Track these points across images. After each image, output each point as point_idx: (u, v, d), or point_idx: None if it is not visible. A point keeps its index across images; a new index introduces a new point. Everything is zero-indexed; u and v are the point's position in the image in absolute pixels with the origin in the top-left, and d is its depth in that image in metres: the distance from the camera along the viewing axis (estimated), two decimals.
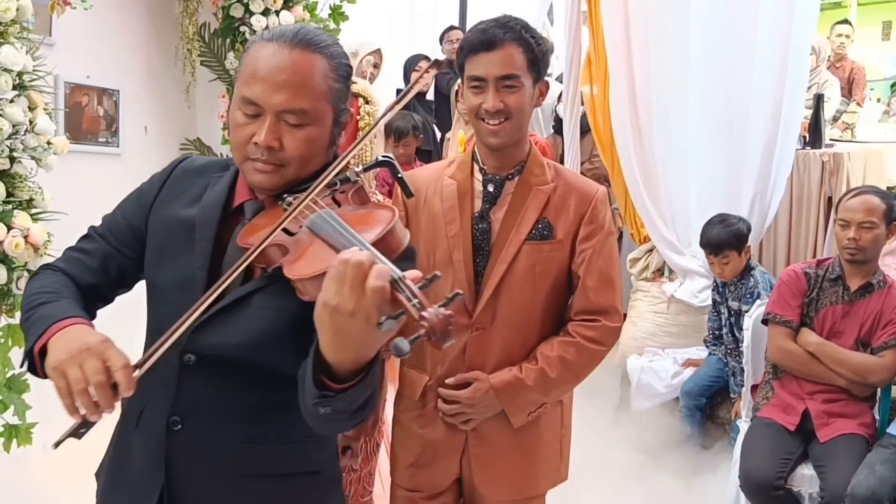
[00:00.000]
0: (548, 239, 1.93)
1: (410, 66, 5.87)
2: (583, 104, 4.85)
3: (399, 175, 1.36)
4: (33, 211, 2.68)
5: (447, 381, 1.97)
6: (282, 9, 4.05)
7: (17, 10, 2.61)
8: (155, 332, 1.33)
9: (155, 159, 4.20)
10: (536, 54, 1.87)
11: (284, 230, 1.25)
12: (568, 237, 1.94)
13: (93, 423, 1.21)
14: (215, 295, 1.22)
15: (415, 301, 1.00)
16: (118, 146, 4.01)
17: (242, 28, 4.04)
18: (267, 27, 3.98)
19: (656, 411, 4.21)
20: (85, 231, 1.50)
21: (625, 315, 4.16)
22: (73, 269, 1.42)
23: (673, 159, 4.45)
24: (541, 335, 1.97)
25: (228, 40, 4.16)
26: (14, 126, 2.58)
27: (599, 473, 3.51)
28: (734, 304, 3.90)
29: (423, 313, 0.98)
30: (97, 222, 1.51)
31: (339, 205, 1.30)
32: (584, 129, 4.96)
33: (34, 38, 2.82)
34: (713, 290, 4.10)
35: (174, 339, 1.20)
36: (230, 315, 1.31)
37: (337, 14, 4.39)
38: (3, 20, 2.55)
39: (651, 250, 4.80)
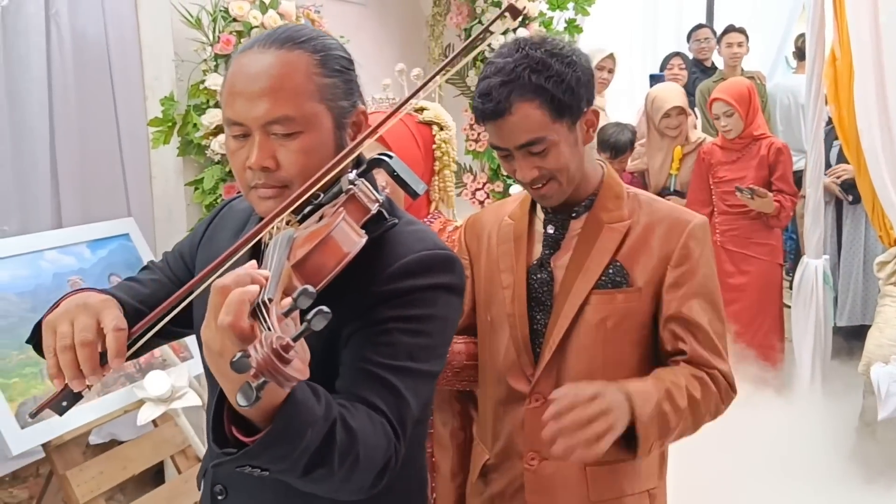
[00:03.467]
0: (621, 287, 1.55)
1: (664, 65, 5.84)
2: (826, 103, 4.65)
3: (395, 173, 1.16)
4: None
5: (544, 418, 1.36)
6: (519, 27, 4.30)
7: None
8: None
9: None
10: (562, 98, 1.46)
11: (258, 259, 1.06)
12: (650, 284, 1.55)
13: (77, 397, 1.12)
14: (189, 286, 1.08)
15: (265, 334, 0.81)
16: None
17: (483, 47, 4.35)
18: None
19: None
20: None
21: (866, 327, 3.99)
22: (121, 292, 1.34)
23: None
24: None
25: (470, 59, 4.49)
26: None
27: (840, 488, 3.39)
28: None
29: (250, 349, 0.79)
30: None
31: (319, 219, 1.10)
32: None
33: None
34: None
35: (170, 314, 1.09)
36: None
37: (572, 27, 4.57)
38: None
39: None
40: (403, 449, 1.11)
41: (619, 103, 5.69)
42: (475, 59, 4.44)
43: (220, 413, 0.95)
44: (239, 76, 1.16)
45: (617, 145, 4.45)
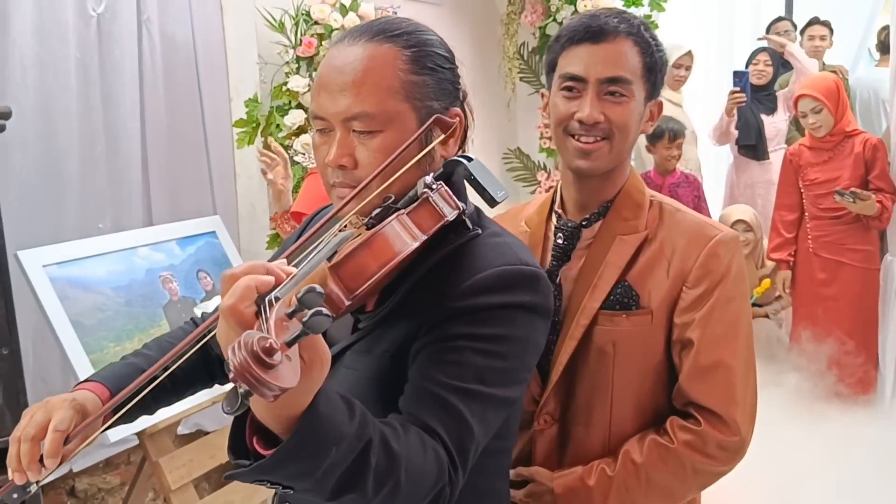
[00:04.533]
0: (629, 308, 1.41)
1: (749, 60, 5.72)
2: None
3: (472, 177, 1.08)
4: None
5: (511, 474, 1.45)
6: None
7: None
8: None
9: None
10: (656, 60, 1.41)
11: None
12: (664, 307, 1.40)
13: (24, 490, 1.07)
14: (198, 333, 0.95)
15: (262, 334, 0.72)
16: None
17: None
18: None
19: None
20: None
21: None
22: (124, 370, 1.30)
23: None
24: (631, 435, 1.45)
25: (545, 57, 4.50)
26: None
27: None
28: None
29: (230, 352, 0.71)
30: None
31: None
32: None
33: None
34: None
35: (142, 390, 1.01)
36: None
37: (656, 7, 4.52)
38: None
39: None
40: (462, 479, 1.02)
41: (694, 99, 5.62)
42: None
43: (243, 420, 0.89)
44: (326, 68, 1.11)
45: (675, 130, 4.34)
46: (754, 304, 4.46)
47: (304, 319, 0.72)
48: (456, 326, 1.04)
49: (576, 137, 1.40)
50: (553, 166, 4.64)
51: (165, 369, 0.96)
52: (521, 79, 4.68)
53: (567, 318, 1.45)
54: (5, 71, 2.69)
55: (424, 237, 0.99)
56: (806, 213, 4.17)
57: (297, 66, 3.22)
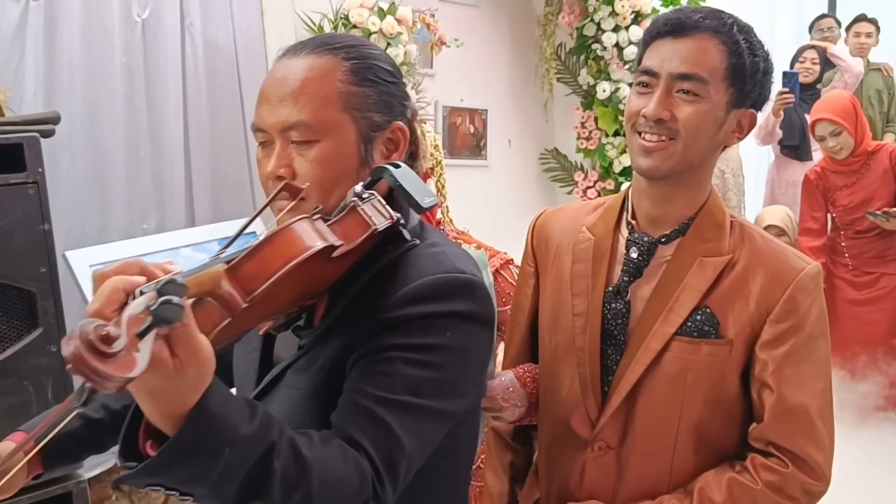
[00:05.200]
0: (708, 337, 1.31)
1: (795, 58, 5.65)
2: None
3: (398, 184, 1.05)
4: None
5: None
6: (631, 24, 4.29)
7: (405, 54, 3.20)
8: None
9: (517, 170, 4.71)
10: (747, 65, 1.29)
11: None
12: (742, 337, 1.31)
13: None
14: None
15: (98, 322, 0.69)
16: (486, 159, 4.57)
17: (594, 45, 4.36)
18: (616, 44, 4.26)
19: None
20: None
21: None
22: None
23: None
24: (695, 468, 1.35)
25: (582, 57, 4.51)
26: None
27: None
28: None
29: (63, 343, 0.68)
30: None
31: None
32: None
33: (419, 72, 3.40)
34: None
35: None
36: (267, 398, 1.12)
37: None
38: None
39: None
40: (392, 495, 0.98)
41: None
42: (587, 57, 4.46)
43: (136, 422, 0.86)
44: (267, 81, 1.11)
45: None
46: None
47: (152, 308, 0.68)
48: (388, 338, 1.01)
49: (641, 135, 1.32)
50: (590, 167, 4.64)
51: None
52: (558, 79, 4.68)
53: (634, 339, 1.35)
54: (53, 76, 2.77)
55: (349, 245, 0.95)
56: (843, 233, 3.98)
57: None
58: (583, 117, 4.54)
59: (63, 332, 1.98)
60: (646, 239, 1.37)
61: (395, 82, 1.15)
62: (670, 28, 1.29)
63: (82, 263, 2.42)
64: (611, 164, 4.47)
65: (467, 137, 4.46)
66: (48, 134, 1.99)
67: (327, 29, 3.28)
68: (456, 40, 3.56)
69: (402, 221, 1.05)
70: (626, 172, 4.44)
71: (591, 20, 4.32)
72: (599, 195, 4.52)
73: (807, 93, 5.07)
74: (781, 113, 4.77)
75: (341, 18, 3.27)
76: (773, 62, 1.35)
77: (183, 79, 3.14)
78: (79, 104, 2.84)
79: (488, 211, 3.89)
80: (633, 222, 1.39)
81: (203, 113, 3.24)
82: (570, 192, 4.70)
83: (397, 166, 1.07)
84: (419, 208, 1.05)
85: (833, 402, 1.35)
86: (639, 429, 1.35)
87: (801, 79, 4.97)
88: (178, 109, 3.12)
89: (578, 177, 4.65)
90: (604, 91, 4.36)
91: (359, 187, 1.03)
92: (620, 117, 4.35)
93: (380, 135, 1.12)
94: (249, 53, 3.36)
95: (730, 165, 5.02)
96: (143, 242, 2.71)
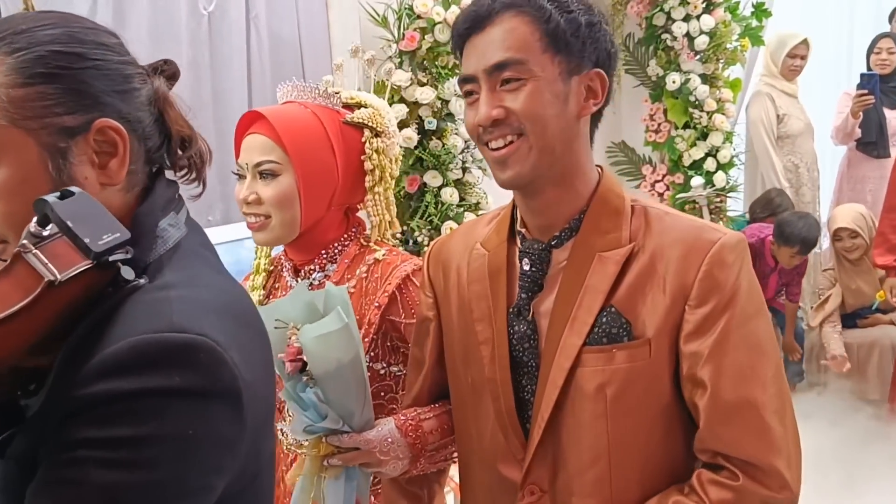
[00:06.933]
0: (619, 340, 1.12)
1: (871, 49, 5.43)
2: None
3: (62, 222, 0.76)
4: (480, 212, 3.21)
5: None
6: (702, 13, 4.16)
7: None
8: None
9: None
10: (559, 25, 1.11)
11: None
12: (664, 333, 1.11)
13: None
14: None
15: None
16: None
17: (664, 36, 4.25)
18: (687, 33, 4.14)
19: None
20: None
21: None
22: None
23: None
24: (642, 499, 1.15)
25: (651, 48, 4.40)
26: (465, 142, 3.13)
27: None
28: None
29: None
30: None
31: None
32: None
33: None
34: None
35: None
36: None
37: (760, 11, 4.38)
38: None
39: None
40: None
41: (811, 90, 5.38)
42: (656, 47, 4.35)
43: None
44: None
45: (808, 241, 4.01)
46: (877, 310, 4.24)
47: None
48: (76, 428, 0.74)
49: (489, 145, 1.15)
50: (659, 160, 4.53)
51: None
52: (626, 70, 4.57)
53: (545, 361, 1.17)
54: None
55: (17, 306, 0.73)
56: None
57: (399, 60, 3.23)
58: (651, 109, 4.43)
59: None
60: (538, 245, 1.19)
61: (84, 67, 0.86)
62: (469, 25, 1.14)
63: None
64: (680, 157, 4.35)
65: None
66: None
67: (391, 20, 3.26)
68: None
69: (109, 258, 0.77)
70: (695, 166, 4.32)
71: (661, 9, 4.21)
72: (668, 189, 4.42)
73: (888, 84, 4.87)
74: (860, 114, 4.61)
75: (405, 8, 3.24)
76: (598, 11, 1.16)
77: (248, 71, 3.17)
78: None
79: None
80: (523, 230, 1.23)
81: (268, 105, 3.24)
82: (637, 186, 4.60)
83: (66, 195, 0.78)
84: (89, 252, 0.76)
85: (790, 392, 1.15)
86: (570, 464, 1.16)
87: (878, 69, 4.79)
88: (243, 102, 3.15)
89: (646, 170, 4.55)
90: (673, 82, 4.24)
91: (33, 225, 0.76)
92: (691, 109, 4.25)
93: (77, 142, 0.85)
94: (314, 46, 3.36)
95: (804, 160, 4.86)
96: (208, 234, 2.72)
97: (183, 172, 0.98)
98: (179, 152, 0.97)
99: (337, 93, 1.61)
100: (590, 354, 1.13)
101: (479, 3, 1.14)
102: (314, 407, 1.31)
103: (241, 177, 1.55)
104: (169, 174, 0.98)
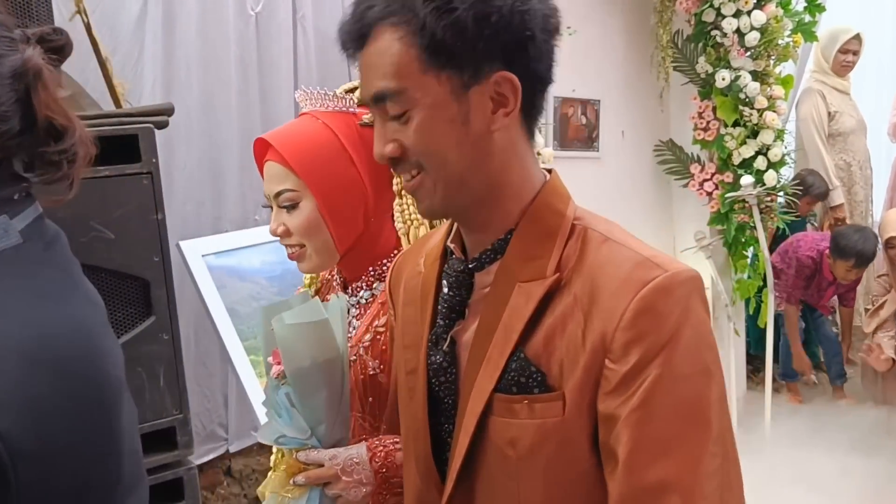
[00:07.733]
0: (530, 391, 0.93)
1: None
2: None
3: None
4: None
5: None
6: (753, 9, 4.08)
7: None
8: None
9: (630, 162, 4.58)
10: (436, 32, 0.89)
11: None
12: (580, 388, 0.90)
13: None
14: None
15: None
16: (598, 150, 4.45)
17: (714, 32, 4.17)
18: (737, 29, 4.07)
19: None
20: None
21: None
22: None
23: None
24: None
25: (700, 45, 4.32)
26: None
27: None
28: None
29: None
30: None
31: None
32: None
33: None
34: None
35: None
36: None
37: (813, 6, 4.28)
38: None
39: None
40: None
41: (865, 86, 5.26)
42: (705, 44, 4.28)
43: None
44: None
45: (864, 254, 3.96)
46: None
47: None
48: None
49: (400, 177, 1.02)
50: (707, 159, 4.46)
51: None
52: (674, 68, 4.51)
53: (462, 400, 1.00)
54: (171, 69, 2.85)
55: None
56: None
57: None
58: (700, 107, 4.36)
59: (175, 321, 2.01)
60: (456, 267, 1.02)
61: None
62: (346, 40, 0.97)
63: (195, 253, 2.46)
64: (729, 155, 4.27)
65: (579, 129, 4.36)
66: (162, 125, 2.02)
67: None
68: (568, 28, 3.45)
69: None
70: (745, 164, 4.24)
71: (711, 5, 4.13)
72: (717, 188, 4.34)
73: None
74: None
75: None
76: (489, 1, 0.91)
77: (295, 71, 3.18)
78: (195, 97, 2.91)
79: (599, 205, 3.74)
80: (451, 246, 1.05)
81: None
82: (685, 185, 4.53)
83: None
84: None
85: (740, 472, 0.90)
86: None
87: None
88: (290, 102, 3.15)
89: (695, 169, 4.48)
90: (723, 79, 4.16)
91: None
92: (741, 107, 4.17)
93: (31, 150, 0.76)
94: None
95: (856, 158, 4.75)
96: (254, 233, 2.74)
97: (45, 169, 0.79)
98: (51, 144, 0.78)
99: (351, 90, 1.45)
100: (500, 402, 0.95)
101: (354, 10, 0.96)
102: (286, 411, 1.26)
103: (271, 207, 1.49)
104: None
